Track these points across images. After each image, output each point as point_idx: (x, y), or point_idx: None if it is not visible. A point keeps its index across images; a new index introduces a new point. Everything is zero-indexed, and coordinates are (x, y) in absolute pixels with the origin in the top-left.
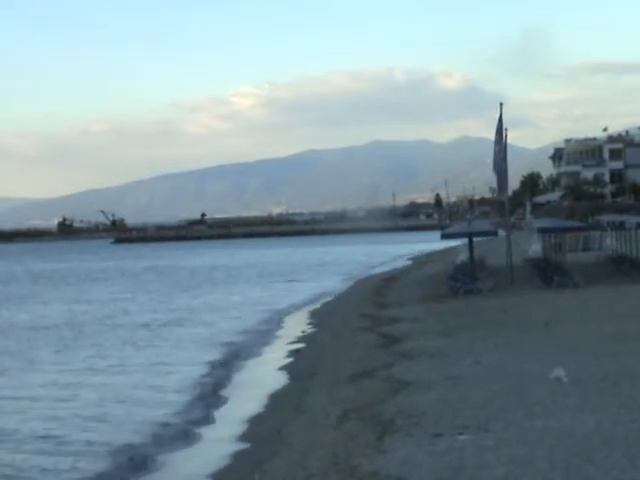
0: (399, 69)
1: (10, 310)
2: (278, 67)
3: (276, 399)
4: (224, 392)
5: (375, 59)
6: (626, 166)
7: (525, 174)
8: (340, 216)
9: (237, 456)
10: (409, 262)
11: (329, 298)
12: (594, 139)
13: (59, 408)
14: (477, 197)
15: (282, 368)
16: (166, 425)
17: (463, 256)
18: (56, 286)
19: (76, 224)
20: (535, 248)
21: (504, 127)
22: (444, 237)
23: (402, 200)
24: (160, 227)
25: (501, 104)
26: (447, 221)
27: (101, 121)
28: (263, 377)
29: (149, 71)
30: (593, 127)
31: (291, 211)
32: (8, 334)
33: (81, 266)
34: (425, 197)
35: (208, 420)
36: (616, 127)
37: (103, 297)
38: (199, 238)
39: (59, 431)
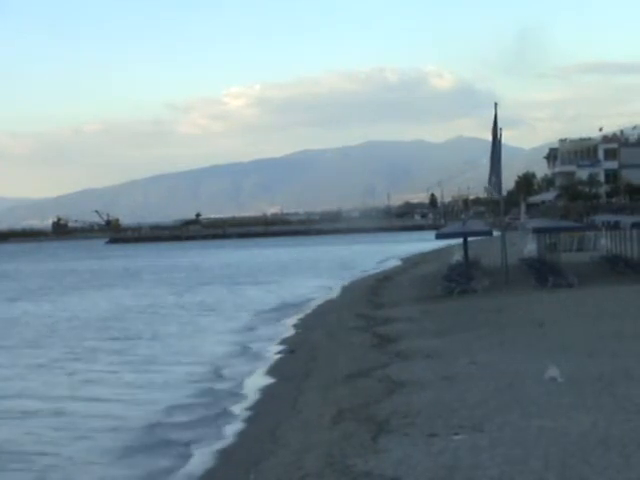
0: (393, 69)
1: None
2: (270, 68)
3: (271, 399)
4: (221, 389)
5: (367, 59)
6: (621, 166)
7: (520, 174)
8: (335, 216)
9: (233, 456)
10: (404, 262)
11: None
12: (589, 139)
13: None
14: (472, 197)
15: (277, 368)
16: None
17: (458, 256)
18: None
19: (71, 224)
20: (530, 248)
21: (499, 127)
22: (439, 237)
23: (397, 200)
24: (155, 227)
25: (496, 104)
26: (442, 221)
27: (95, 122)
28: (258, 377)
29: (142, 72)
30: (587, 127)
31: (286, 211)
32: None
33: (102, 265)
34: (420, 197)
35: (205, 421)
36: (611, 127)
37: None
38: (194, 238)
39: None
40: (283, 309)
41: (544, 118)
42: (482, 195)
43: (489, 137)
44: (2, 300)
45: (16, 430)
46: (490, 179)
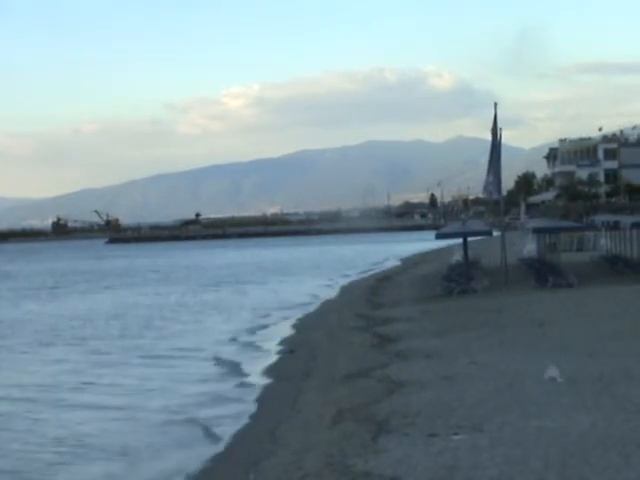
0: (392, 69)
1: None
2: (269, 68)
3: (271, 399)
4: (220, 389)
5: (366, 59)
6: (621, 166)
7: (520, 174)
8: (335, 216)
9: (232, 456)
10: (404, 262)
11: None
12: (589, 139)
13: None
14: (472, 197)
15: (276, 368)
16: None
17: (458, 256)
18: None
19: (70, 224)
20: (530, 248)
21: (499, 127)
22: (439, 237)
23: (397, 200)
24: (154, 227)
25: (496, 104)
26: (442, 221)
27: (95, 122)
28: (257, 377)
29: (141, 72)
30: (587, 127)
31: (286, 211)
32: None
33: (102, 265)
34: (420, 197)
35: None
36: (610, 127)
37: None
38: (194, 238)
39: None
40: (283, 309)
41: (544, 118)
42: (482, 195)
43: (489, 137)
44: (4, 300)
45: (36, 423)
46: (487, 178)
